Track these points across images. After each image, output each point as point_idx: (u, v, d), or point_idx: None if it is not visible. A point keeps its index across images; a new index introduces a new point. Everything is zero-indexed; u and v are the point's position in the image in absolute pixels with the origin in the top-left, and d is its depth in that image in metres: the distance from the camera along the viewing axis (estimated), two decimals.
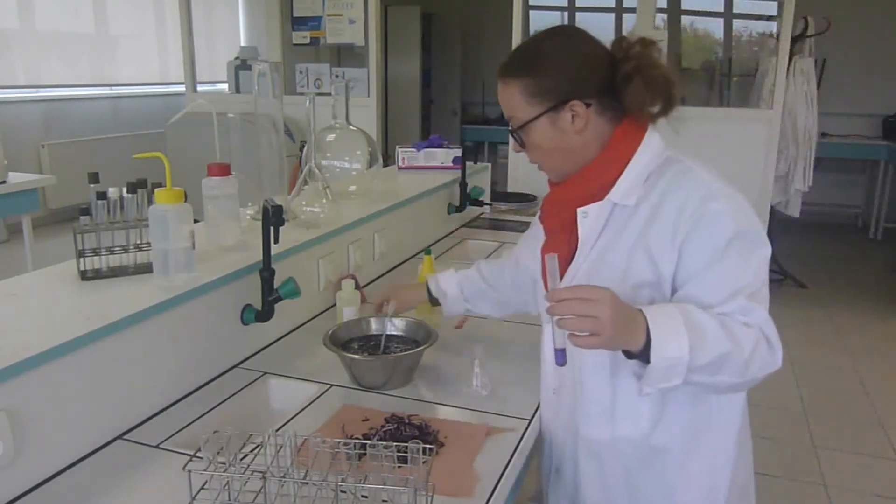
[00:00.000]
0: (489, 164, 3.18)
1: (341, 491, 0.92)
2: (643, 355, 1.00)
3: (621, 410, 1.17)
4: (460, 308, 1.58)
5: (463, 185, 2.68)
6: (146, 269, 1.37)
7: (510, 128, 1.20)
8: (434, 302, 1.59)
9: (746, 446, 1.24)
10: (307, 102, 1.84)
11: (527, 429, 1.22)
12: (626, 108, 1.14)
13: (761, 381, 1.07)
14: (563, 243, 1.20)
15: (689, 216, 1.07)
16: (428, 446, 0.95)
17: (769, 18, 4.45)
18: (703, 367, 1.00)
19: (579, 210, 1.16)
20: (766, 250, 1.09)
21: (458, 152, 2.76)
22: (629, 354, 1.04)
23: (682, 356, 0.99)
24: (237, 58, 5.27)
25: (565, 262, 1.19)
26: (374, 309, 1.59)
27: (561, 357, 1.03)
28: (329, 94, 2.22)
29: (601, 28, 7.42)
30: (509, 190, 3.97)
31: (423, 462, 0.93)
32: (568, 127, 1.13)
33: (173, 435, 1.19)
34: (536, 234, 1.34)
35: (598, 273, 1.14)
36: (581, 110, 1.12)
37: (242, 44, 6.71)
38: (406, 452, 0.94)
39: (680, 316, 1.01)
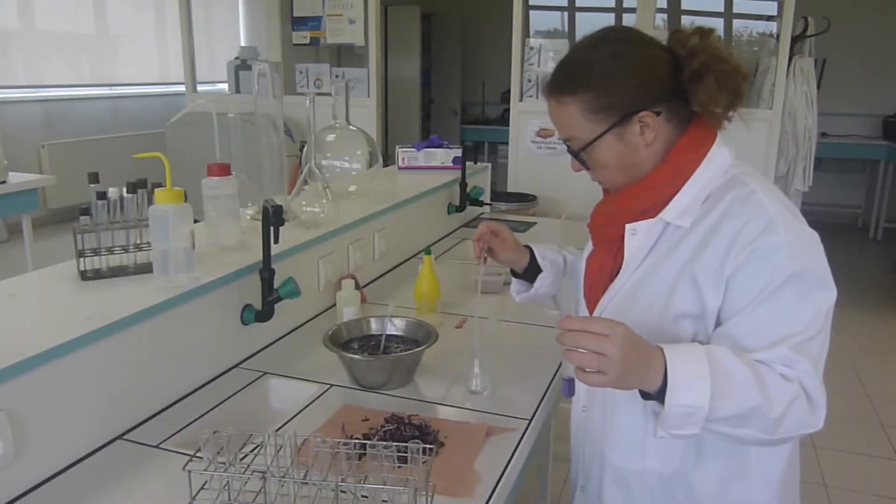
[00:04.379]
0: (489, 164, 3.18)
1: (341, 491, 0.92)
2: (660, 397, 0.91)
3: (652, 444, 1.08)
4: (554, 287, 1.37)
5: (463, 185, 2.68)
6: (146, 269, 1.36)
7: (570, 149, 1.08)
8: (524, 273, 1.39)
9: (791, 499, 1.13)
10: (307, 102, 1.84)
11: (527, 429, 1.22)
12: (694, 110, 1.04)
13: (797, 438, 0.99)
14: (607, 258, 1.12)
15: (742, 248, 0.96)
16: (428, 446, 0.95)
17: (769, 18, 4.45)
18: (726, 420, 0.91)
19: (628, 226, 1.07)
20: (828, 295, 0.97)
21: (458, 152, 2.76)
22: (646, 394, 0.95)
23: (700, 405, 0.89)
24: (237, 58, 5.27)
25: (607, 279, 1.12)
26: (474, 248, 1.40)
27: (568, 388, 0.97)
28: (329, 94, 2.22)
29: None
30: (509, 190, 3.97)
31: (423, 462, 0.93)
32: (637, 140, 1.03)
33: (173, 435, 1.19)
34: None
35: (639, 297, 1.06)
36: (651, 121, 1.02)
37: (242, 44, 6.71)
38: (406, 452, 0.94)
39: (706, 360, 0.91)
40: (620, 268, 1.10)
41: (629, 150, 1.04)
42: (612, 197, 1.13)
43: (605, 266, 1.13)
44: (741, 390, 0.90)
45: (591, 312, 1.15)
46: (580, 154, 1.07)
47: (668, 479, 1.09)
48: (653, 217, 1.06)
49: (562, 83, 1.05)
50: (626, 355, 0.88)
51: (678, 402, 0.89)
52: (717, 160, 1.05)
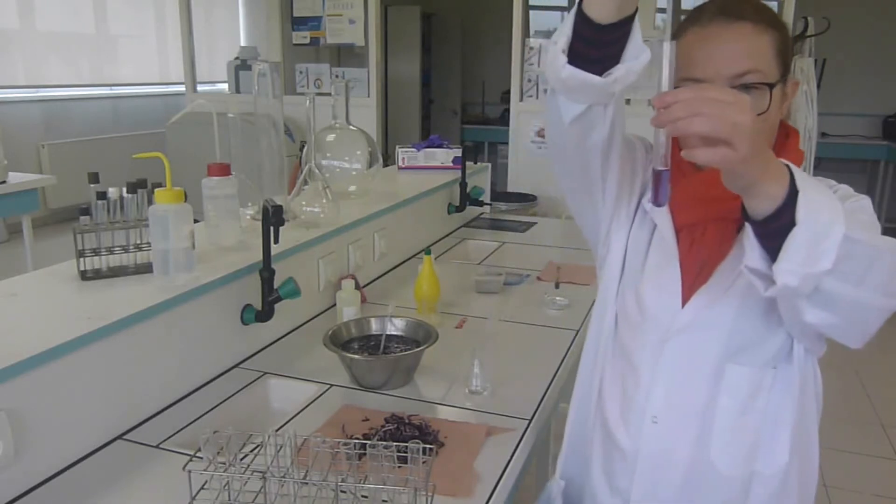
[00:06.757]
0: (489, 164, 3.18)
1: (341, 491, 0.92)
2: (776, 219, 0.75)
3: (765, 442, 1.00)
4: (632, 72, 0.88)
5: (463, 185, 2.68)
6: (146, 269, 1.37)
7: (748, 82, 0.94)
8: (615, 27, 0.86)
9: None
10: (307, 102, 1.84)
11: (527, 429, 1.22)
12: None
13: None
14: (729, 231, 1.01)
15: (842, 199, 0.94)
16: (428, 446, 0.95)
17: None
18: (855, 259, 0.76)
19: None
20: None
21: (458, 152, 2.75)
22: (750, 219, 0.79)
23: (837, 219, 0.73)
24: (237, 58, 5.27)
25: (723, 256, 1.00)
26: None
27: (664, 192, 0.78)
28: (329, 94, 2.22)
29: None
30: (509, 190, 3.98)
31: (423, 462, 0.93)
32: (779, 106, 0.98)
33: (173, 435, 1.19)
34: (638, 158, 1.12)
35: None
36: (791, 93, 1.00)
37: (242, 44, 6.71)
38: (406, 452, 0.94)
39: (829, 188, 0.79)
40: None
41: (777, 109, 0.99)
42: None
43: (729, 240, 1.01)
44: (863, 227, 0.80)
45: (686, 300, 1.03)
46: (758, 90, 0.96)
47: (769, 478, 1.02)
48: None
49: (765, 12, 0.97)
50: (755, 131, 0.73)
51: (814, 212, 0.73)
52: None
